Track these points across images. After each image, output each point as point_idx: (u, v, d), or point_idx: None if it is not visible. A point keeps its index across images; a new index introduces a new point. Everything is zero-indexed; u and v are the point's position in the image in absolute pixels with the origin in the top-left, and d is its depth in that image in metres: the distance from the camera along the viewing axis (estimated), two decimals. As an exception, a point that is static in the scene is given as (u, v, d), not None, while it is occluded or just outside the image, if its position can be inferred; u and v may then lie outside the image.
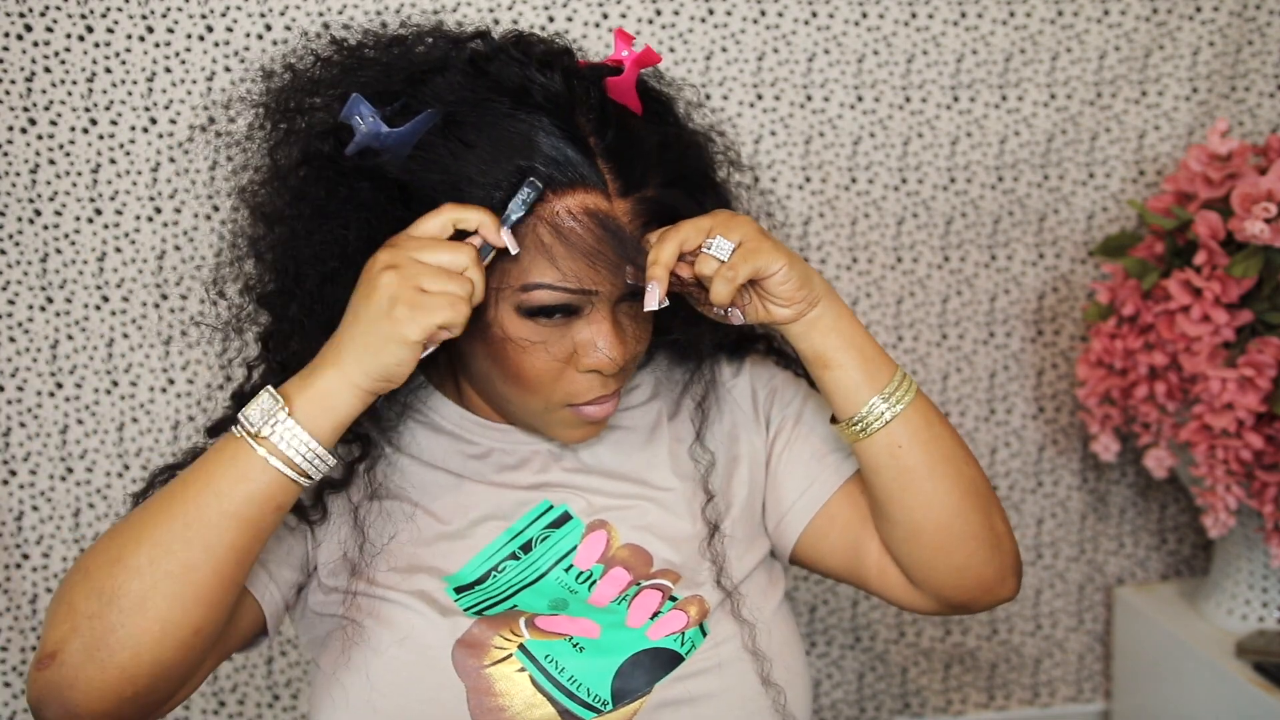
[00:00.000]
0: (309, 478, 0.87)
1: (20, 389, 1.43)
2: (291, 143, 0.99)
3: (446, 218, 0.88)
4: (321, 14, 1.39)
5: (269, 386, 0.87)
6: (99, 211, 1.40)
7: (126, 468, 1.46)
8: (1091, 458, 1.67)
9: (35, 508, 1.45)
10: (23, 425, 1.43)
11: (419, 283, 0.85)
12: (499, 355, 0.96)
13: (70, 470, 1.46)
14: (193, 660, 0.87)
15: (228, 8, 1.38)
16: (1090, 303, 1.54)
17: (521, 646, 0.96)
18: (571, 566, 1.01)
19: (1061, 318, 1.62)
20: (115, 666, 0.83)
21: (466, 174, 0.91)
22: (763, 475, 1.09)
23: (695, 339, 1.08)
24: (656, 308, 0.90)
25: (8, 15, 1.34)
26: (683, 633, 0.98)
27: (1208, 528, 1.40)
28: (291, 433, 0.86)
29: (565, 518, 1.03)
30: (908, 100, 1.53)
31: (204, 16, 1.37)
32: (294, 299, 0.98)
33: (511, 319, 0.94)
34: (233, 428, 0.87)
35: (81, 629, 0.83)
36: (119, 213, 1.40)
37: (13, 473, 1.44)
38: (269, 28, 1.39)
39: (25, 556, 1.46)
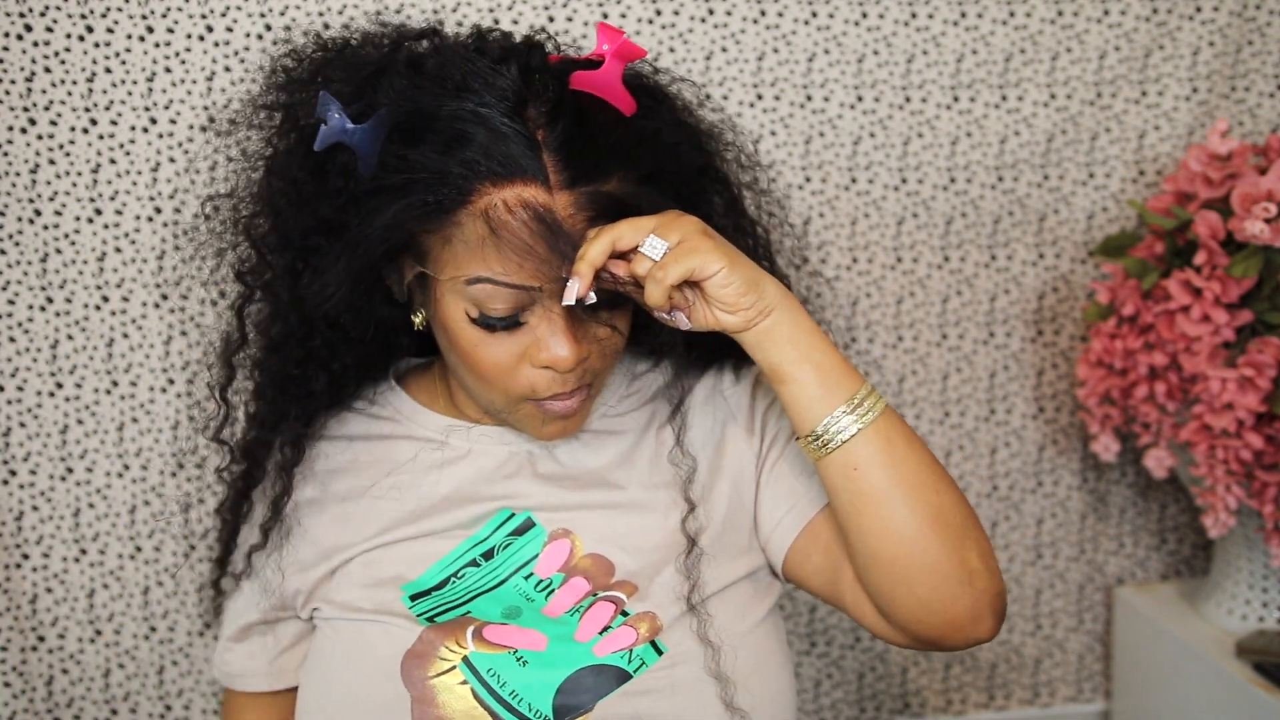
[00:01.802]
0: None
1: (20, 389, 1.43)
2: (279, 135, 1.01)
3: None
4: (321, 14, 1.39)
5: None
6: (99, 211, 1.40)
7: (126, 468, 1.46)
8: (1091, 458, 1.67)
9: (35, 508, 1.45)
10: (23, 425, 1.43)
11: None
12: (457, 349, 0.96)
13: (70, 470, 1.46)
14: None
15: (228, 8, 1.38)
16: (1090, 303, 1.54)
17: (465, 659, 0.95)
18: (531, 574, 1.00)
19: (1061, 318, 1.62)
20: None
21: (411, 172, 0.91)
22: (751, 487, 1.06)
23: (665, 341, 1.06)
24: (573, 303, 0.89)
25: (8, 15, 1.34)
26: (630, 650, 0.96)
27: (1208, 528, 1.40)
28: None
29: (528, 525, 1.02)
30: (908, 100, 1.53)
31: (204, 16, 1.38)
32: (270, 279, 1.01)
33: (460, 318, 0.94)
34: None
35: None
36: (119, 213, 1.40)
37: (13, 473, 1.44)
38: (269, 28, 1.39)
39: (25, 556, 1.46)
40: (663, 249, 0.89)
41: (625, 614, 0.98)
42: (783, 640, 1.06)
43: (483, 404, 1.02)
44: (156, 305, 1.43)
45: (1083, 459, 1.67)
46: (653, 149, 0.96)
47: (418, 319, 1.01)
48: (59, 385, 1.43)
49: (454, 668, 0.95)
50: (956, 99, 1.53)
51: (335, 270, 0.96)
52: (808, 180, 1.53)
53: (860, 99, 1.52)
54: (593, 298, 0.89)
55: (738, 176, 1.11)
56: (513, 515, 1.02)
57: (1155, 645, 1.59)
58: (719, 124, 1.11)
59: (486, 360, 0.95)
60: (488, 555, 1.01)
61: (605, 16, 1.44)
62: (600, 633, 0.97)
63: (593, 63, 0.94)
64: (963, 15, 1.51)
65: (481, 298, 0.92)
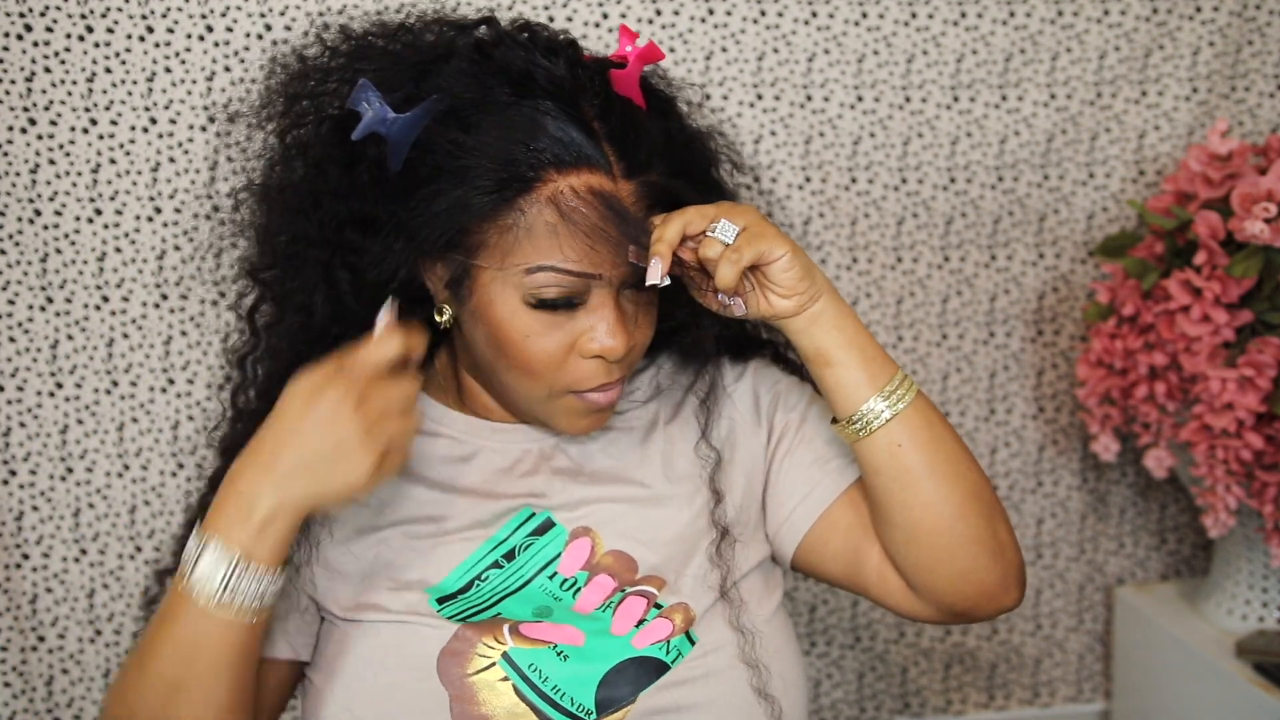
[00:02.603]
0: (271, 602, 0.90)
1: (20, 389, 1.43)
2: (301, 127, 1.01)
3: (395, 347, 0.88)
4: (321, 14, 1.39)
5: (211, 539, 0.87)
6: (99, 211, 1.40)
7: (126, 468, 1.46)
8: (1091, 458, 1.67)
9: (35, 508, 1.46)
10: (23, 425, 1.43)
11: (381, 426, 0.86)
12: (502, 342, 0.96)
13: (70, 470, 1.46)
14: None
15: (228, 8, 1.38)
16: (1090, 303, 1.54)
17: (505, 655, 0.95)
18: (555, 574, 1.00)
19: (1061, 318, 1.62)
20: None
21: (471, 159, 0.92)
22: (761, 480, 1.08)
23: (698, 337, 1.07)
24: (658, 283, 0.90)
25: (8, 15, 1.34)
26: (668, 641, 0.97)
27: (1208, 528, 1.40)
28: (254, 583, 0.87)
29: (548, 524, 1.02)
30: (908, 100, 1.53)
31: (204, 16, 1.38)
32: (281, 270, 1.00)
33: (516, 308, 0.94)
34: (182, 585, 0.87)
35: None
36: (119, 213, 1.40)
37: (13, 473, 1.44)
38: (269, 28, 1.39)
39: (25, 556, 1.46)
40: (734, 232, 0.91)
41: (659, 606, 0.99)
42: (794, 632, 1.07)
43: (519, 399, 1.01)
44: (156, 305, 1.43)
45: (1083, 459, 1.67)
46: (674, 147, 0.99)
47: (444, 317, 1.00)
48: (59, 385, 1.43)
49: (494, 664, 0.94)
50: (956, 99, 1.53)
51: (390, 260, 0.95)
52: (808, 180, 1.53)
53: (860, 99, 1.52)
54: (668, 280, 0.91)
55: (732, 177, 1.13)
56: (534, 514, 1.02)
57: (1155, 645, 1.59)
58: (714, 126, 1.13)
59: (537, 351, 0.95)
60: (509, 556, 1.00)
61: (605, 17, 1.44)
62: (636, 625, 0.97)
63: (616, 63, 0.97)
64: (963, 15, 1.51)
65: (540, 287, 0.93)
